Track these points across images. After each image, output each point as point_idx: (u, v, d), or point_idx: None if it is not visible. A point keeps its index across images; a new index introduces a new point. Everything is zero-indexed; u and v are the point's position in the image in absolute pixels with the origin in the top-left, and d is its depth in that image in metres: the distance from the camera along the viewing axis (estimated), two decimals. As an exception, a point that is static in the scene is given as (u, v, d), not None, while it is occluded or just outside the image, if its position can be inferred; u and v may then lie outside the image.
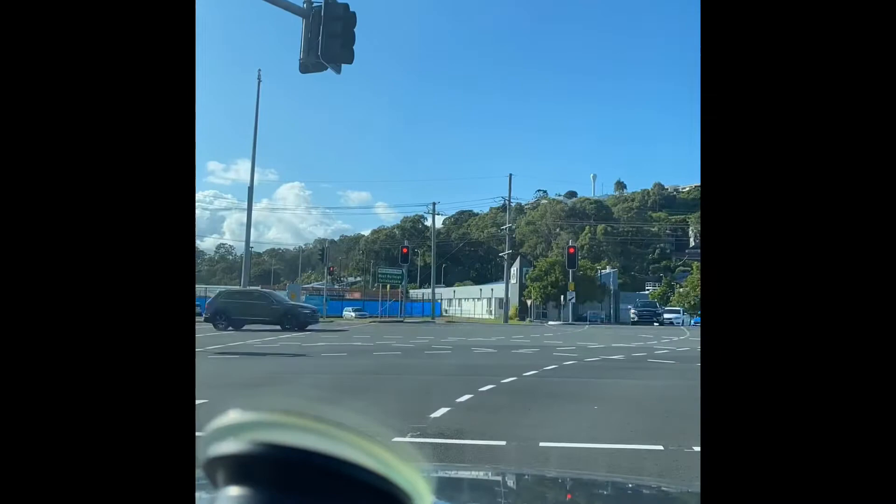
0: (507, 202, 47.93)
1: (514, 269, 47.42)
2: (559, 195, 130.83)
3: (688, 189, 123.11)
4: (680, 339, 21.29)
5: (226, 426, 0.52)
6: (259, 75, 29.65)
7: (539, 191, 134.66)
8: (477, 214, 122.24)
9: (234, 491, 0.52)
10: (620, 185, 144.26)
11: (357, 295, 70.07)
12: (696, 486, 0.89)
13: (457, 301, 71.13)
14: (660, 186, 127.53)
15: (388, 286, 47.19)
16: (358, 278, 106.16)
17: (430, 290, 54.80)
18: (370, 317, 45.09)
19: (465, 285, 78.44)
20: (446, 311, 67.21)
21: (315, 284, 71.42)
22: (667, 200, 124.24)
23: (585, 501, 1.48)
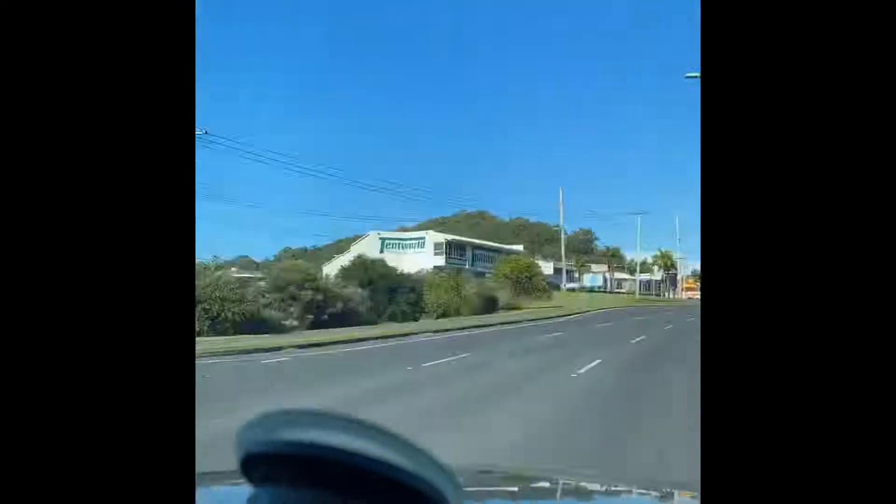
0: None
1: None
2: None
3: None
4: None
5: (260, 424, 0.52)
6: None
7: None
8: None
9: (271, 488, 0.52)
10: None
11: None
12: (696, 487, 0.89)
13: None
14: None
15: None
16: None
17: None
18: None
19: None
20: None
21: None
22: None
23: (587, 501, 1.49)
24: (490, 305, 29.00)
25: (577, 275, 58.87)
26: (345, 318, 21.00)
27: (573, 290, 48.36)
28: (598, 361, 10.47)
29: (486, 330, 20.01)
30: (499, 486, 1.56)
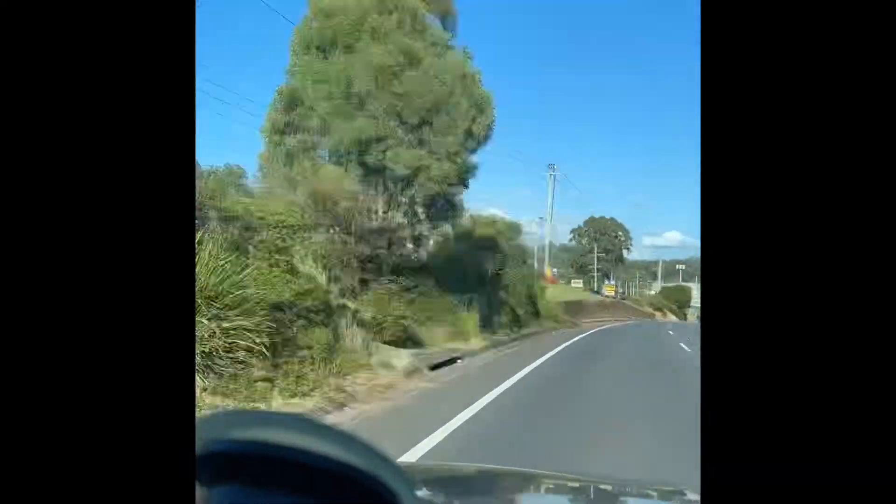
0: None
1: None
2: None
3: None
4: None
5: (208, 424, 0.52)
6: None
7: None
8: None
9: (222, 488, 0.52)
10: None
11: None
12: (696, 487, 0.89)
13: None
14: None
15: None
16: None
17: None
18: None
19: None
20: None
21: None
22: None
23: (585, 502, 1.48)
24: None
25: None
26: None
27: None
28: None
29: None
30: (483, 486, 1.51)
